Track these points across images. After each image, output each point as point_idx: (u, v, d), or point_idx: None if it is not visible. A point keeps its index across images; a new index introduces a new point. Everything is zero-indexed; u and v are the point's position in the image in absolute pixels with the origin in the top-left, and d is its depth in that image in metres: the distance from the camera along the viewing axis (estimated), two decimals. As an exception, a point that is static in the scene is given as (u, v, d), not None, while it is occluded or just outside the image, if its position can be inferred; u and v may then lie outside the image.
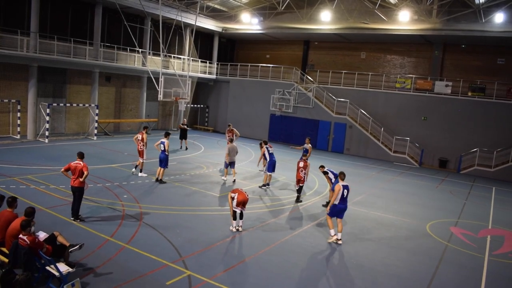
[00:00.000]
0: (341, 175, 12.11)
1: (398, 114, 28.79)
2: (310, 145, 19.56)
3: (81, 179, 11.18)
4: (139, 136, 17.12)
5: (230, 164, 17.79)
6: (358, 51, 33.09)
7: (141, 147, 17.01)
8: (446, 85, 27.51)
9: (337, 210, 11.62)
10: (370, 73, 30.56)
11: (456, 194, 19.84)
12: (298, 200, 15.72)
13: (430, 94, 27.86)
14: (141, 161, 17.21)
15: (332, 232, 11.85)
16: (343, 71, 31.65)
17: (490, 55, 27.76)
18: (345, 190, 11.55)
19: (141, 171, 17.36)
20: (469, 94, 26.99)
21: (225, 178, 17.99)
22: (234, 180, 17.85)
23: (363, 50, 32.91)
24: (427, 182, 22.26)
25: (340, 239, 11.70)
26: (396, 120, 28.80)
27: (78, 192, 11.35)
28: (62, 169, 11.45)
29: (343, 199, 11.58)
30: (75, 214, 11.47)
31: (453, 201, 18.26)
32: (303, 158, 15.71)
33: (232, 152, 17.66)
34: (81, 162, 11.31)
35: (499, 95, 25.85)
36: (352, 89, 30.62)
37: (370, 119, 29.14)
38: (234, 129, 22.84)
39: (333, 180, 14.67)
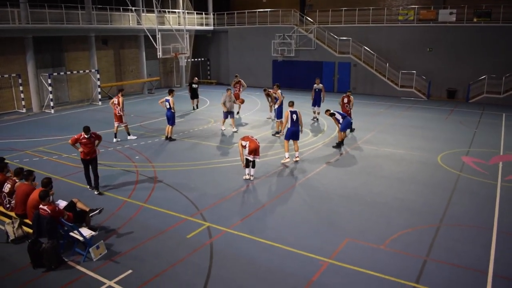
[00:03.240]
0: (290, 103, 13.93)
1: (402, 48, 28.13)
2: (321, 84, 19.96)
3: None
4: (115, 100, 16.44)
5: (229, 114, 17.93)
6: (357, -14, 31.92)
7: (119, 111, 16.34)
8: (451, 13, 26.60)
9: (290, 132, 13.56)
10: (371, 8, 29.59)
11: (466, 123, 19.74)
12: (351, 130, 17.73)
13: (434, 24, 27.04)
14: (116, 125, 16.56)
15: (287, 155, 13.67)
16: (343, 9, 30.70)
17: (494, -25, 26.62)
18: (294, 115, 13.40)
19: (129, 134, 16.94)
20: (475, 20, 26.14)
21: (223, 128, 18.28)
22: (236, 131, 17.93)
23: (362, -16, 31.72)
24: (436, 114, 22.11)
25: (298, 157, 13.85)
26: (401, 54, 28.17)
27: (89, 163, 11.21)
28: (70, 141, 11.13)
29: (293, 122, 13.40)
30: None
31: (463, 131, 18.20)
32: (347, 93, 17.51)
33: (229, 103, 17.71)
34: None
35: (505, 18, 24.98)
36: (354, 26, 29.80)
37: (375, 56, 28.57)
38: (241, 81, 22.11)
39: (340, 120, 15.07)
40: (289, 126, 13.50)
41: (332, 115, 15.27)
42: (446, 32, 26.65)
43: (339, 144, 15.54)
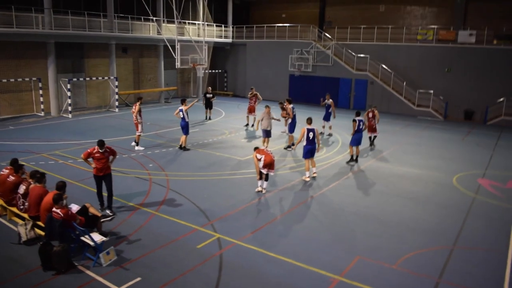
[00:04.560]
0: (308, 120, 13.62)
1: (420, 67, 28.01)
2: (331, 100, 20.05)
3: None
4: (133, 108, 16.54)
5: (266, 133, 16.73)
6: (376, 4, 31.94)
7: (135, 119, 16.33)
8: (470, 34, 26.47)
9: (306, 150, 13.34)
10: (390, 26, 29.60)
11: (483, 145, 19.47)
12: (372, 143, 18.19)
13: (454, 45, 26.91)
14: (137, 134, 16.50)
15: (307, 174, 13.47)
16: (362, 26, 30.75)
17: (515, -1, 26.46)
18: (311, 133, 13.19)
19: (137, 145, 16.66)
20: (495, 42, 25.95)
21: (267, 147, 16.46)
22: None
23: (381, 2, 31.73)
24: (453, 135, 21.87)
25: (315, 173, 13.79)
26: (418, 73, 28.04)
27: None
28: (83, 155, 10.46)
29: (310, 141, 13.21)
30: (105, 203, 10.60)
31: (480, 153, 17.94)
32: (372, 108, 17.86)
33: (266, 121, 16.53)
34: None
35: (526, 40, 24.77)
36: (372, 44, 29.81)
37: (392, 74, 28.48)
38: (257, 93, 21.85)
39: (361, 126, 15.49)
40: (304, 143, 13.31)
41: (354, 121, 15.40)
42: (465, 53, 26.48)
43: (350, 159, 15.62)
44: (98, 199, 10.47)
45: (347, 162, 15.56)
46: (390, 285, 7.53)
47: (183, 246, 8.79)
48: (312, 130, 13.24)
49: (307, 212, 10.98)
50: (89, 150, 10.11)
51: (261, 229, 9.73)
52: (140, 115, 16.38)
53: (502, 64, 25.38)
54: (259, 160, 11.71)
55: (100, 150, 10.06)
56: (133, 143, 16.84)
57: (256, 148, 12.13)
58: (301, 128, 13.77)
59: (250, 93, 22.15)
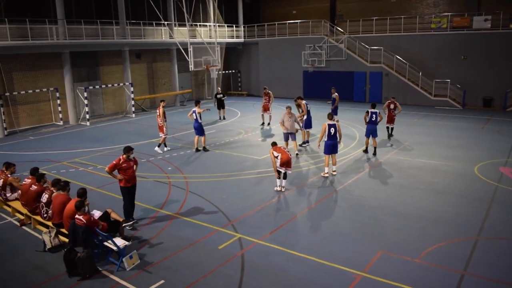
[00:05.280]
0: (328, 116, 13.53)
1: (436, 56, 27.59)
2: (336, 93, 20.63)
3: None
4: (157, 111, 16.72)
5: (289, 135, 15.66)
6: (387, -5, 31.65)
7: (160, 122, 16.56)
8: (485, 20, 25.96)
9: (328, 146, 13.20)
10: (403, 17, 29.22)
11: (503, 133, 19.09)
12: (390, 135, 18.30)
13: (469, 31, 26.44)
14: (162, 136, 16.69)
15: (326, 169, 13.41)
16: (374, 18, 30.43)
17: (531, -20, 25.85)
18: (332, 128, 13.05)
19: (158, 146, 16.96)
20: (511, 26, 25.40)
21: (296, 152, 15.84)
22: (297, 154, 15.86)
23: (392, -7, 31.44)
24: (472, 123, 21.50)
25: (335, 171, 13.55)
26: (434, 63, 27.63)
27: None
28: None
29: (331, 136, 13.07)
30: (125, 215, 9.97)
31: (501, 141, 17.60)
32: (392, 99, 18.04)
33: (288, 122, 15.29)
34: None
35: (544, 23, 24.20)
36: (385, 35, 29.47)
37: (407, 65, 28.11)
38: (270, 92, 21.71)
39: (373, 118, 15.51)
40: (326, 139, 13.17)
41: (367, 112, 15.57)
42: (481, 39, 25.99)
43: (365, 150, 16.09)
44: (127, 213, 9.89)
45: (363, 151, 16.09)
46: (414, 279, 7.44)
47: (205, 247, 8.84)
48: (333, 125, 13.13)
49: (327, 208, 10.94)
50: (114, 162, 9.51)
51: (282, 228, 9.73)
52: (164, 118, 16.65)
53: (519, 49, 24.83)
54: (276, 157, 11.69)
55: (130, 157, 9.61)
56: (157, 148, 17.02)
57: (273, 144, 12.11)
58: (321, 124, 13.71)
59: (264, 92, 22.15)
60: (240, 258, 8.35)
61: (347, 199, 11.49)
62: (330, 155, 13.39)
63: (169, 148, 17.18)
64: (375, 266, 7.90)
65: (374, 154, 15.64)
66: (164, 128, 16.63)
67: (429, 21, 28.58)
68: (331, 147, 13.22)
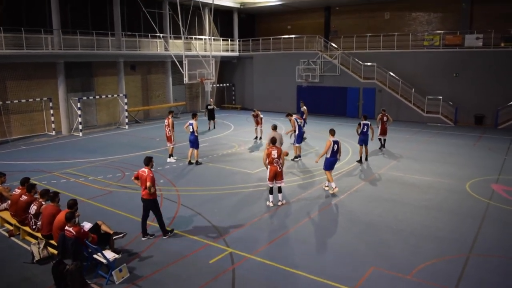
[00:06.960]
0: (331, 132, 13.23)
1: (428, 73, 27.87)
2: (305, 107, 21.19)
3: (147, 190, 9.52)
4: (166, 121, 17.22)
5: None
6: (381, 12, 32.05)
7: (168, 132, 17.03)
8: (477, 38, 26.35)
9: (329, 162, 12.94)
10: (396, 34, 29.59)
11: (495, 150, 19.23)
12: (382, 146, 19.01)
13: (461, 49, 26.80)
14: (171, 146, 17.25)
15: (333, 184, 12.94)
16: (368, 34, 30.80)
17: (522, 1, 26.32)
18: (335, 145, 12.81)
19: (170, 156, 17.41)
20: (502, 45, 25.80)
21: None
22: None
23: (386, 10, 31.85)
24: (464, 140, 21.66)
25: (328, 186, 13.36)
26: (426, 80, 27.89)
27: (145, 205, 9.80)
28: (132, 178, 10.23)
29: (333, 153, 12.84)
30: (163, 229, 9.97)
31: (492, 158, 17.72)
32: (382, 111, 18.87)
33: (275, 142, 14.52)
34: (146, 170, 9.63)
35: (534, 42, 24.56)
36: (379, 52, 29.80)
37: (400, 81, 28.37)
38: (259, 113, 21.44)
39: (364, 129, 16.55)
40: (328, 156, 12.86)
41: (359, 124, 16.68)
42: (473, 57, 26.34)
43: (359, 161, 16.92)
44: (163, 224, 9.98)
45: (357, 161, 16.91)
46: (406, 295, 7.40)
47: (195, 261, 8.75)
48: (336, 142, 12.88)
49: (320, 223, 10.90)
50: (151, 175, 9.56)
51: (274, 243, 9.67)
52: (173, 128, 17.03)
53: (511, 67, 25.16)
54: (270, 153, 11.56)
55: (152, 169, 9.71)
56: (168, 159, 17.35)
57: (273, 142, 11.90)
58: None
59: (253, 114, 21.93)
60: (231, 273, 8.27)
61: (340, 214, 11.47)
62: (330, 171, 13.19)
63: (176, 158, 17.50)
64: (366, 282, 7.86)
65: (366, 159, 16.87)
66: (172, 138, 17.08)
67: (422, 38, 28.97)
68: (332, 163, 13.02)
